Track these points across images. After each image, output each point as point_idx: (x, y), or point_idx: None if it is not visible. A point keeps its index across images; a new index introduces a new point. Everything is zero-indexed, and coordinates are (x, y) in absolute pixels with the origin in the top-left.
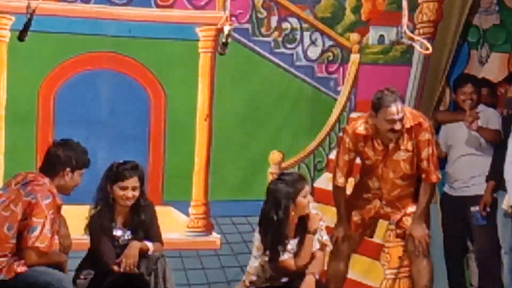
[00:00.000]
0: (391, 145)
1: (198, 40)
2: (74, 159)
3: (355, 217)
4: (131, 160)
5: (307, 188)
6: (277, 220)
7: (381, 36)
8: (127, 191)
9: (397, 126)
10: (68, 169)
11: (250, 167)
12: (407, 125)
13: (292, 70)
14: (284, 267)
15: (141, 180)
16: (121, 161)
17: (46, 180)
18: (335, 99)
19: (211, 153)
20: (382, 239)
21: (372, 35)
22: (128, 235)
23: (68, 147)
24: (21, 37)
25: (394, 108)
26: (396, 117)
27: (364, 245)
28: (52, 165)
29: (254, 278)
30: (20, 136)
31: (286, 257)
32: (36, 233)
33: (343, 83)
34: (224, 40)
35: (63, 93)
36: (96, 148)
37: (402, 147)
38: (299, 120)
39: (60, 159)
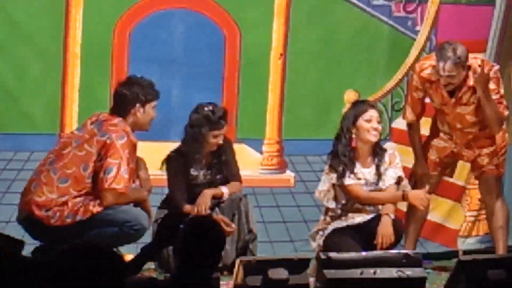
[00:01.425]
0: (452, 99)
1: None
2: (141, 94)
3: (432, 156)
4: (217, 104)
5: (371, 112)
6: (340, 142)
7: None
8: (219, 138)
9: (443, 81)
10: (137, 105)
11: (325, 106)
12: (470, 83)
13: (368, 9)
14: (352, 192)
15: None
16: (210, 106)
17: (119, 119)
18: (414, 39)
19: (285, 91)
20: (464, 181)
21: None
22: (206, 174)
23: (132, 83)
24: None
25: (442, 65)
26: (442, 73)
27: (446, 187)
28: (121, 105)
29: (331, 214)
30: (95, 74)
31: (352, 182)
32: (112, 174)
33: (421, 23)
34: None
35: (138, 31)
36: (170, 85)
37: (464, 101)
38: (376, 60)
39: (127, 97)
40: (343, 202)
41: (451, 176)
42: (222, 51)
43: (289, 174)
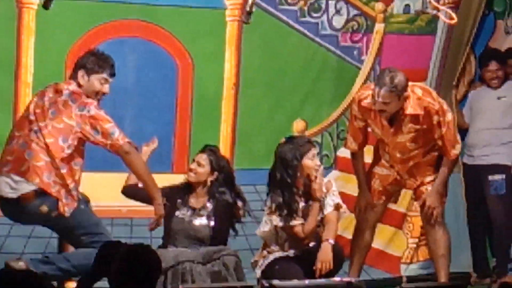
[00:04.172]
0: (391, 129)
1: (225, 9)
2: (88, 62)
3: (375, 185)
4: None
5: (314, 151)
6: (283, 180)
7: (407, 5)
8: (193, 163)
9: (377, 106)
10: (82, 71)
11: (275, 136)
12: (408, 111)
13: (317, 39)
14: (298, 233)
15: (212, 164)
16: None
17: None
18: (359, 68)
19: (237, 122)
20: (406, 208)
21: (397, 5)
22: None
23: (88, 52)
24: (45, 5)
25: (377, 90)
26: (377, 99)
27: (388, 214)
28: (73, 69)
29: (273, 247)
30: None
31: (295, 223)
32: (117, 133)
33: (367, 52)
34: (248, 9)
35: None
36: (123, 116)
37: (403, 130)
38: (323, 89)
39: (76, 62)
40: (284, 239)
41: (395, 203)
42: (175, 81)
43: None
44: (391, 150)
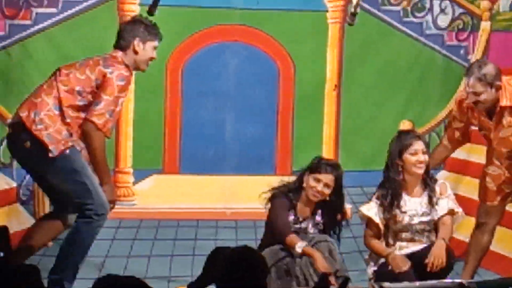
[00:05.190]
0: (491, 123)
1: (326, 11)
2: (143, 30)
3: (489, 184)
4: (334, 160)
5: (417, 145)
6: (388, 176)
7: None
8: (319, 184)
9: (469, 99)
10: (137, 39)
11: (380, 137)
12: (502, 103)
13: (421, 39)
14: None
15: (338, 183)
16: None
17: (122, 54)
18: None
19: (340, 123)
20: None
21: (504, 2)
22: (299, 225)
23: (135, 20)
24: (150, 12)
25: (466, 80)
26: (467, 89)
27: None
28: (123, 38)
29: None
30: (149, 109)
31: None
32: (98, 107)
33: (473, 51)
34: (353, 10)
35: (192, 65)
36: (224, 119)
37: (504, 124)
38: (429, 89)
39: (129, 30)
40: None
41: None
42: (276, 84)
43: (346, 206)
44: (496, 146)
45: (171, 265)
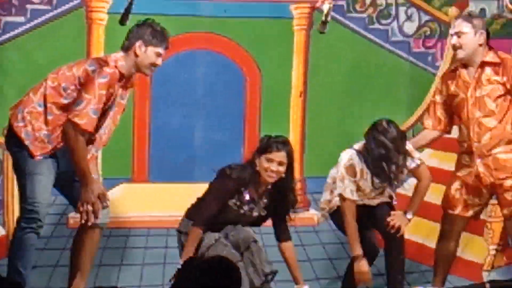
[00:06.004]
0: (471, 82)
1: (292, 18)
2: (147, 33)
3: (454, 193)
4: (282, 135)
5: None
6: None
7: (482, 9)
8: (273, 163)
9: (452, 41)
10: (140, 41)
11: (346, 143)
12: (486, 59)
13: (387, 45)
14: None
15: (290, 159)
16: (272, 135)
17: (120, 54)
18: (434, 74)
19: (307, 129)
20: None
21: (473, 8)
22: (251, 208)
23: (144, 24)
24: (122, 21)
25: (453, 24)
26: (451, 31)
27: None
28: (128, 39)
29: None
30: None
31: None
32: (79, 107)
33: (442, 58)
34: (323, 18)
35: (160, 73)
36: (193, 127)
37: (483, 80)
38: (396, 95)
39: (134, 32)
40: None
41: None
42: (243, 91)
43: (312, 213)
44: (470, 113)
45: (142, 274)
